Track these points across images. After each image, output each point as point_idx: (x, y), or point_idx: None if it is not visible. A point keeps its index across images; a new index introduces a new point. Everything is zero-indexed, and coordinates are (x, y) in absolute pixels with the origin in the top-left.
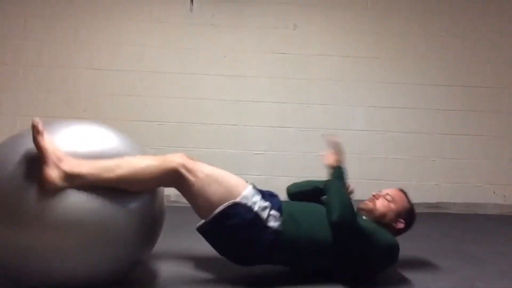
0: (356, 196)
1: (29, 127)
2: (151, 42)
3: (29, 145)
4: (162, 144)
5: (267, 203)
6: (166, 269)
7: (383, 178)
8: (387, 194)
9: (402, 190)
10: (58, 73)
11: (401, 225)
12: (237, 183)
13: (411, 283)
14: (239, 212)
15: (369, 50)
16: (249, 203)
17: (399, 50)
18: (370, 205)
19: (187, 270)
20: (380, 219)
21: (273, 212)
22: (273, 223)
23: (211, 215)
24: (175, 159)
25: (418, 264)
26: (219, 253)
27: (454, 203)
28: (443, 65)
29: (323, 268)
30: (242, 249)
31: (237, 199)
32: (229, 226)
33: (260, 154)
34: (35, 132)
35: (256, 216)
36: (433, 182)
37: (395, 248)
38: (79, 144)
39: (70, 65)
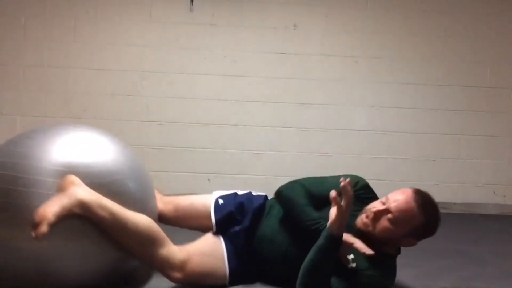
0: None
1: (27, 126)
2: (151, 42)
3: (28, 146)
4: (162, 144)
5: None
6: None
7: (383, 178)
8: (390, 213)
9: (415, 196)
10: (58, 73)
11: (412, 242)
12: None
13: (411, 283)
14: None
15: (369, 50)
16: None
17: (399, 50)
18: (367, 226)
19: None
20: (380, 246)
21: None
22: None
23: None
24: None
25: (418, 264)
26: None
27: (454, 203)
28: (443, 65)
29: None
30: None
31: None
32: None
33: (260, 154)
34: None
35: None
36: (433, 182)
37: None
38: (77, 160)
39: (70, 65)
